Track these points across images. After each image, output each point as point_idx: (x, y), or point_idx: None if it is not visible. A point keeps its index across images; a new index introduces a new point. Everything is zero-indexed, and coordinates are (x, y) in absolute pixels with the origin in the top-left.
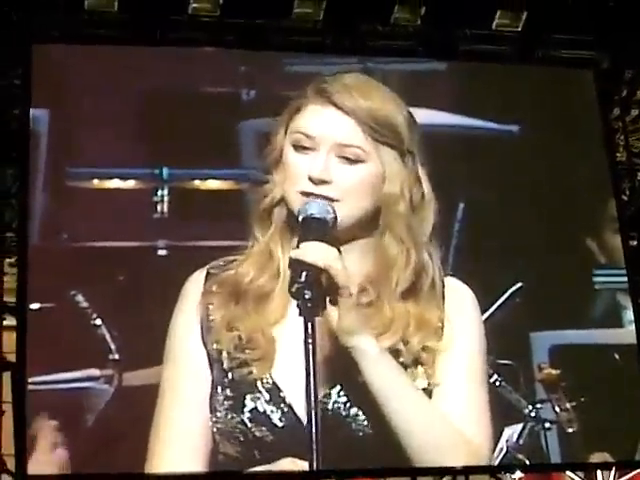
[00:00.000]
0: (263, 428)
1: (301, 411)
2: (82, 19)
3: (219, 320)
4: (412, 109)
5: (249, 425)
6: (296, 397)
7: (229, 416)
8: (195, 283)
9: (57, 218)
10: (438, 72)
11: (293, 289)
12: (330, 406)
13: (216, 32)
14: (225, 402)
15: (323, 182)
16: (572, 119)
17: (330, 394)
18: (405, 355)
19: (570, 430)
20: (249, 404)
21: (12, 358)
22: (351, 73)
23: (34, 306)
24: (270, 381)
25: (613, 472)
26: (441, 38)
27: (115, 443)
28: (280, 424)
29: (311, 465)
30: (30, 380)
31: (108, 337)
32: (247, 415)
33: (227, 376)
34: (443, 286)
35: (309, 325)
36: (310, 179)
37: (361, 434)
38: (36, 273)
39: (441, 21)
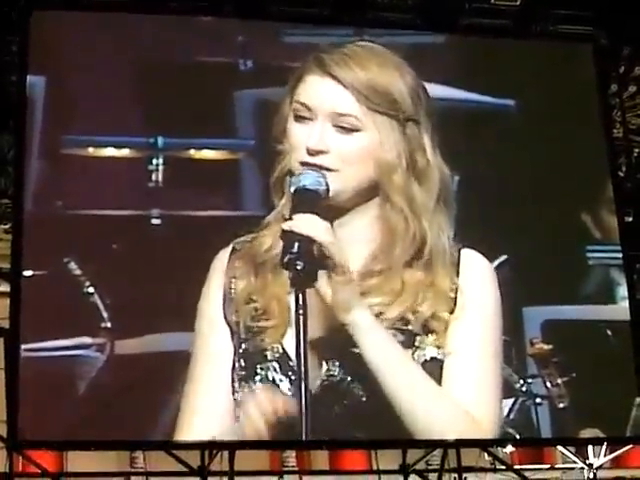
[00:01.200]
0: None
1: (310, 379)
2: None
3: (240, 292)
4: None
5: (259, 394)
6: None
7: (243, 385)
8: (220, 259)
9: (52, 185)
10: (436, 45)
11: (285, 260)
12: (329, 379)
13: (215, 1)
14: (240, 372)
15: (320, 152)
16: (569, 95)
17: (329, 367)
18: (414, 323)
19: (561, 405)
20: (260, 373)
21: (5, 324)
22: (352, 42)
23: (27, 273)
24: (280, 350)
25: (604, 448)
26: (440, 11)
27: (106, 410)
28: (289, 393)
29: (301, 435)
30: (23, 347)
31: (100, 305)
32: (258, 385)
33: (241, 346)
34: (459, 257)
35: (300, 296)
36: (307, 149)
37: (358, 407)
38: (29, 240)
39: None
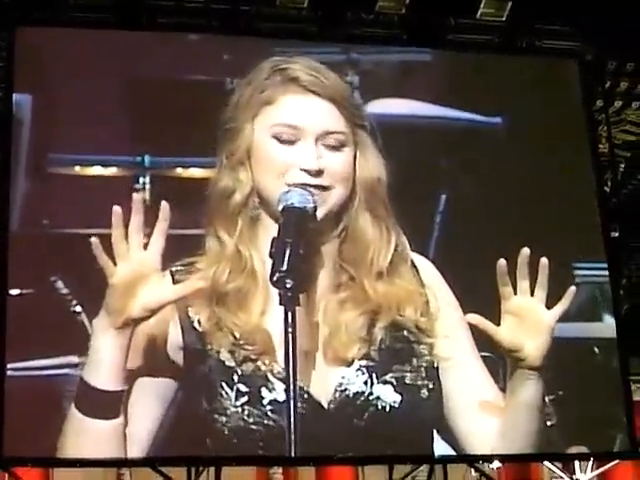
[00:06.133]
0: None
1: (319, 395)
2: (68, 2)
3: (205, 321)
4: (397, 100)
5: (272, 416)
6: (310, 383)
7: (247, 411)
8: None
9: (38, 204)
10: (423, 64)
11: (275, 278)
12: (342, 393)
13: (201, 18)
14: (240, 398)
15: (319, 173)
16: (555, 111)
17: (340, 382)
18: (406, 328)
19: (548, 424)
20: (267, 396)
21: None
22: (297, 58)
23: (13, 292)
24: (282, 373)
25: (591, 464)
26: (425, 26)
27: None
28: (303, 411)
29: (289, 452)
30: (9, 366)
31: (87, 324)
32: (268, 407)
33: (236, 372)
34: (413, 262)
35: (289, 315)
36: (306, 171)
37: (381, 419)
38: (15, 258)
39: (426, 9)
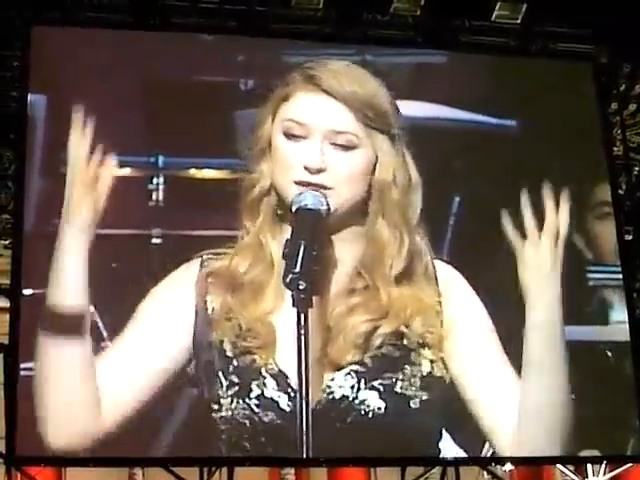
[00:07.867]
0: (270, 413)
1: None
2: (83, 2)
3: (218, 309)
4: (411, 102)
5: (256, 410)
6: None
7: (235, 402)
8: (187, 272)
9: (52, 204)
10: (437, 65)
11: (287, 280)
12: (328, 396)
13: (216, 18)
14: (231, 389)
15: (320, 171)
16: (569, 114)
17: (328, 385)
18: (408, 338)
19: None
20: (255, 390)
21: (4, 340)
22: (332, 60)
23: (27, 292)
24: (275, 368)
25: (603, 467)
26: (440, 29)
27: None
28: (288, 409)
29: (301, 452)
30: (22, 366)
31: (100, 324)
32: (254, 401)
33: (232, 363)
34: (434, 270)
35: (302, 316)
36: (306, 168)
37: (362, 424)
38: (29, 257)
39: (441, 11)
